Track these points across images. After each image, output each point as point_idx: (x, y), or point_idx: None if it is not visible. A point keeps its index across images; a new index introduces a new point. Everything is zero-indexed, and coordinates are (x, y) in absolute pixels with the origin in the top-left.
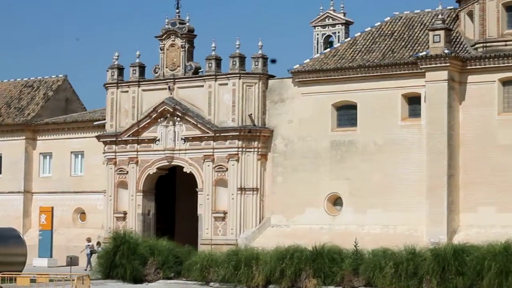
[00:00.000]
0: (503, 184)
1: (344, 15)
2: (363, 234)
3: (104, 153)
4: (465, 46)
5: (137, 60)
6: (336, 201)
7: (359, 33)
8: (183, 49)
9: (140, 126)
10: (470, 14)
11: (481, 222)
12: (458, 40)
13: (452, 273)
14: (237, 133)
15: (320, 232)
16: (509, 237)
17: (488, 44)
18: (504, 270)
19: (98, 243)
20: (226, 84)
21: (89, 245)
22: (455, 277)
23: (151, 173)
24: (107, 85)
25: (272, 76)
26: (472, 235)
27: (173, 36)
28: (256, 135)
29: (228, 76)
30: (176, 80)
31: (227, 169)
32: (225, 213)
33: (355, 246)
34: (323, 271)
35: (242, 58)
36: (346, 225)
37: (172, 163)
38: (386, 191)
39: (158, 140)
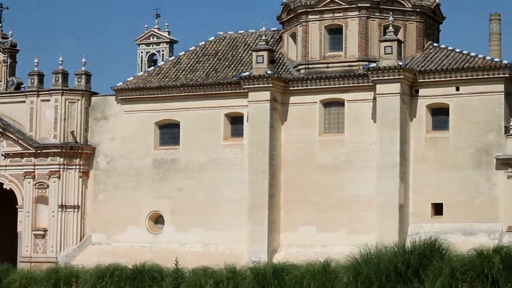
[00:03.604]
0: (323, 204)
1: (169, 34)
2: (185, 253)
3: None
4: (288, 67)
5: None
6: (158, 220)
7: (183, 52)
8: (5, 64)
9: None
10: (293, 36)
11: (301, 241)
12: (281, 61)
13: None
14: (59, 150)
15: (142, 251)
16: (328, 256)
17: (310, 66)
18: None
19: None
20: (49, 100)
21: None
22: None
23: None
24: None
25: (95, 93)
26: (293, 254)
27: None
28: (78, 152)
29: (51, 92)
30: None
31: (48, 186)
32: (45, 230)
33: (176, 264)
34: None
35: (65, 74)
36: (167, 244)
37: None
38: (208, 210)
39: None
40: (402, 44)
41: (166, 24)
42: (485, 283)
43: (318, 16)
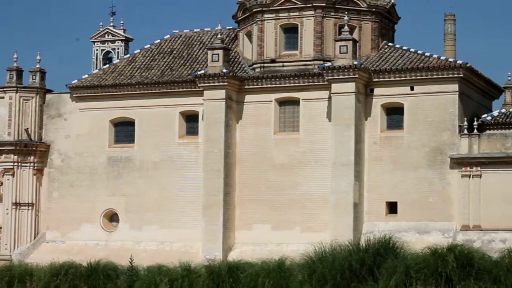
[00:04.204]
0: (278, 202)
1: (124, 32)
2: (139, 251)
3: None
4: (243, 66)
5: None
6: (113, 217)
7: (138, 50)
8: None
9: None
10: (249, 35)
11: (256, 239)
12: (236, 60)
13: None
14: (13, 148)
15: (96, 248)
16: (283, 254)
17: (265, 65)
18: (278, 287)
19: None
20: (3, 97)
21: None
22: None
23: None
24: None
25: (50, 91)
26: (247, 252)
27: None
28: (32, 149)
29: (5, 89)
30: None
31: (2, 183)
32: None
33: (130, 262)
34: (98, 287)
35: (19, 72)
36: (122, 241)
37: None
38: (162, 208)
39: None
40: (357, 44)
41: (122, 22)
42: (439, 281)
43: (273, 15)
